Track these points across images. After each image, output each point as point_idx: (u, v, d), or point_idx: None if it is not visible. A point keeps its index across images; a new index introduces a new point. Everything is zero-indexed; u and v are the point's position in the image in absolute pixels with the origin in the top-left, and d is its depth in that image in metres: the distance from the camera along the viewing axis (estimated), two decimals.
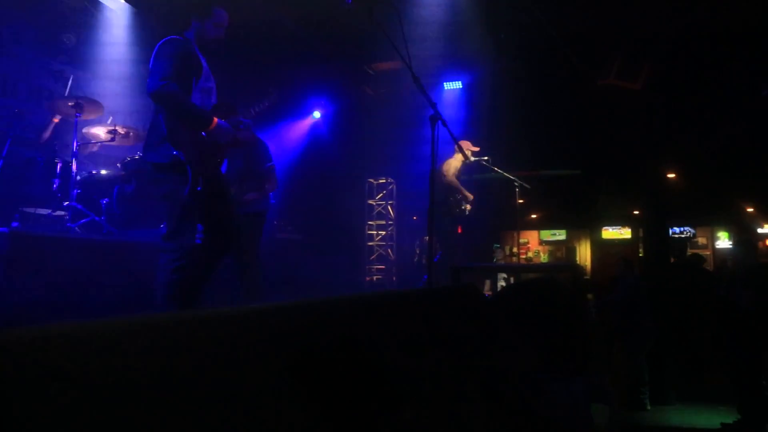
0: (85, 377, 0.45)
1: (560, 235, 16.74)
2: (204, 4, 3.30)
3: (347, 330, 0.95)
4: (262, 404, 0.63)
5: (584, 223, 15.52)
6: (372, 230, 9.26)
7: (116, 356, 0.48)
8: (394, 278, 8.74)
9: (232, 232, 3.28)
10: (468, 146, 5.97)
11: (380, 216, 9.32)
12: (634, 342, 5.62)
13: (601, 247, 15.59)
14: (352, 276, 7.71)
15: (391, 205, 9.35)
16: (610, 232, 15.70)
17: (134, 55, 6.57)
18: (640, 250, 13.27)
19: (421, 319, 1.31)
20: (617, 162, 9.77)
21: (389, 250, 9.11)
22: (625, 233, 15.47)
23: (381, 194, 9.36)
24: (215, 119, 3.13)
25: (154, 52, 3.09)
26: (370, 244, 9.15)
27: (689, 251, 8.94)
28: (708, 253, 14.35)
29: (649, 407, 5.53)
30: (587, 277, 11.98)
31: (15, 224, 4.03)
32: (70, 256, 4.22)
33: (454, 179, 6.07)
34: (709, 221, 14.80)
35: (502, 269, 6.17)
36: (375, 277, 8.76)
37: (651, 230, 6.62)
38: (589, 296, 6.71)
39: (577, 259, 16.01)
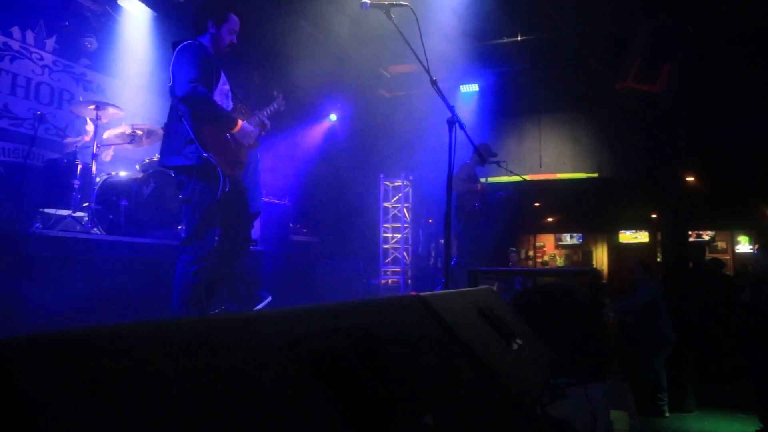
0: (113, 380, 0.45)
1: (576, 238, 16.59)
2: (221, 10, 3.34)
3: (366, 333, 0.95)
4: (284, 407, 0.63)
5: (601, 226, 15.35)
6: (387, 233, 9.26)
7: (142, 359, 0.49)
8: (410, 281, 8.73)
9: (250, 233, 3.32)
10: (486, 149, 5.96)
11: (395, 219, 9.32)
12: (653, 347, 5.55)
13: (618, 251, 15.40)
14: (367, 279, 7.71)
15: (406, 207, 9.34)
16: (627, 236, 15.51)
17: (154, 58, 6.65)
18: (658, 255, 13.12)
19: (439, 323, 1.31)
20: (635, 165, 9.67)
21: (405, 253, 9.11)
22: (642, 237, 15.28)
23: (396, 197, 9.36)
24: (240, 121, 3.17)
25: (174, 57, 3.13)
26: (385, 246, 9.16)
27: (708, 255, 8.82)
28: (728, 257, 14.14)
29: (667, 414, 5.46)
30: (604, 281, 11.87)
31: (37, 224, 4.09)
32: (89, 257, 4.28)
33: (463, 185, 6.05)
34: (729, 225, 14.57)
35: (519, 273, 6.13)
36: (390, 280, 8.76)
37: (669, 234, 6.54)
38: (607, 300, 6.64)
39: (594, 262, 15.86)
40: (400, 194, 9.34)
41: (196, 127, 3.04)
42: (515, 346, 1.78)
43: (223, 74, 3.32)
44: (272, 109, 3.54)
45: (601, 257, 16.13)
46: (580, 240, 16.48)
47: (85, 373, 0.43)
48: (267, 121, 3.45)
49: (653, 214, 13.73)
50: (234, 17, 3.36)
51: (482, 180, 6.61)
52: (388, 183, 9.32)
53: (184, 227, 3.16)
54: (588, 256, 16.23)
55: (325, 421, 0.68)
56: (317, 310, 0.84)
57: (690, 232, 10.86)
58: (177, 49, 3.15)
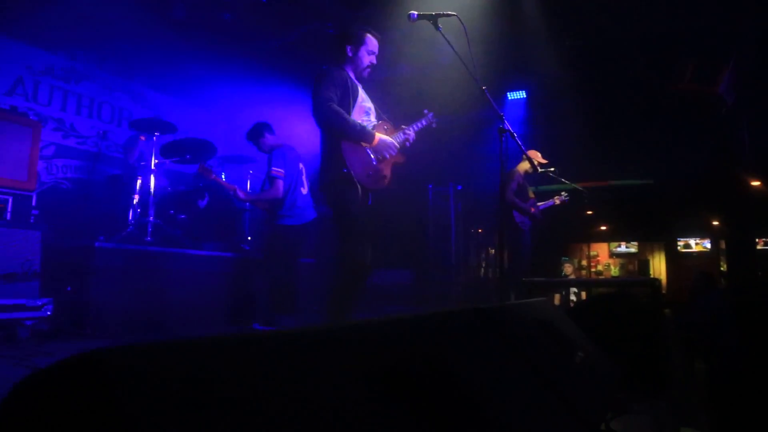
0: (203, 391, 0.46)
1: (632, 247, 16.05)
2: (357, 33, 3.44)
3: (430, 346, 0.94)
4: (358, 423, 0.63)
5: (658, 234, 14.78)
6: (436, 244, 9.20)
7: (227, 371, 0.50)
8: (459, 293, 8.64)
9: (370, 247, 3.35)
10: (537, 157, 5.85)
11: (445, 229, 9.26)
12: (719, 362, 5.29)
13: (677, 260, 14.78)
14: (417, 290, 7.68)
15: (454, 217, 9.27)
16: (686, 244, 14.85)
17: (206, 73, 6.87)
18: (721, 264, 12.53)
19: (501, 336, 1.28)
20: (693, 170, 9.30)
21: (453, 264, 9.03)
22: (702, 246, 14.62)
23: (444, 207, 9.30)
24: (377, 135, 3.23)
25: (313, 83, 3.25)
26: (435, 257, 9.10)
27: None
28: None
29: None
30: (663, 291, 11.43)
31: (101, 237, 4.27)
32: (149, 268, 4.44)
33: (513, 198, 5.94)
34: None
35: (575, 284, 5.97)
36: (440, 292, 8.69)
37: (735, 242, 6.24)
38: (666, 311, 6.39)
39: (651, 272, 15.31)
40: (447, 204, 9.27)
41: (335, 144, 3.15)
42: (577, 360, 1.73)
43: (362, 92, 3.40)
44: (420, 125, 3.56)
45: (658, 266, 15.55)
46: (636, 249, 15.93)
47: (179, 383, 0.44)
48: (411, 136, 3.48)
49: (715, 221, 13.16)
50: (371, 38, 3.45)
51: (532, 189, 6.50)
52: (435, 192, 9.27)
53: (340, 242, 3.24)
54: (644, 265, 15.68)
55: None
56: (383, 324, 0.84)
57: (757, 240, 10.35)
58: (316, 75, 3.28)
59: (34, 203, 4.38)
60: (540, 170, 5.77)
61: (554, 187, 6.73)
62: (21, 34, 5.61)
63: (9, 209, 4.15)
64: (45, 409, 0.44)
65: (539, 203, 6.24)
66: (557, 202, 6.43)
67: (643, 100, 8.19)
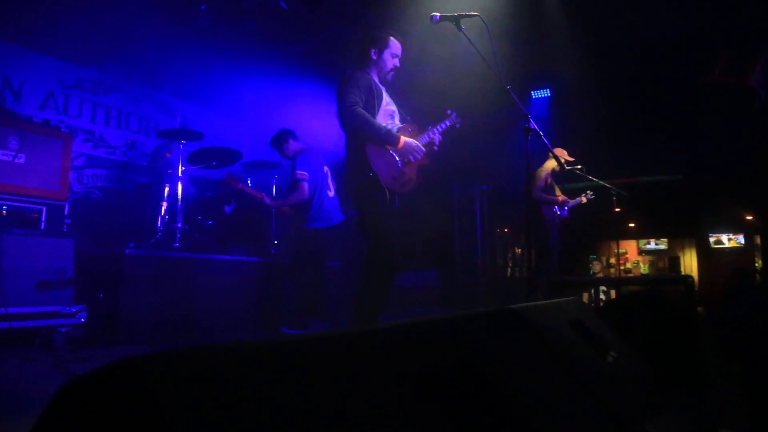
0: (233, 396, 0.46)
1: (662, 243, 15.73)
2: (381, 36, 3.46)
3: (463, 348, 0.93)
4: (393, 424, 0.62)
5: (688, 230, 14.44)
6: (461, 244, 9.16)
7: (261, 376, 0.50)
8: (486, 293, 8.58)
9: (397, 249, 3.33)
10: (563, 155, 5.79)
11: (470, 229, 9.21)
12: (757, 361, 5.15)
13: (709, 257, 14.41)
14: (443, 291, 7.64)
15: (480, 217, 9.22)
16: (718, 240, 14.45)
17: (230, 81, 6.95)
18: (756, 260, 12.19)
19: (533, 336, 1.27)
20: (725, 164, 9.08)
21: (479, 263, 8.97)
22: (735, 242, 14.23)
23: (470, 207, 9.25)
24: (402, 138, 3.24)
25: (338, 87, 3.27)
26: (460, 258, 9.05)
27: None
28: None
29: None
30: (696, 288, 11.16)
31: (131, 244, 4.35)
32: (178, 274, 4.50)
33: (541, 194, 5.88)
34: None
35: (606, 282, 5.88)
36: (467, 293, 8.64)
37: None
38: (700, 310, 6.24)
39: (682, 269, 14.98)
40: (472, 203, 9.22)
41: (360, 148, 3.16)
42: (610, 360, 1.70)
43: (386, 95, 3.42)
44: (444, 126, 3.54)
45: (689, 263, 15.21)
46: (666, 246, 15.61)
47: (216, 388, 0.44)
48: (436, 138, 3.48)
49: (748, 215, 12.82)
50: (394, 41, 3.46)
51: (559, 187, 6.42)
52: (460, 192, 9.23)
53: (366, 245, 3.25)
54: (675, 262, 15.36)
55: None
56: (415, 326, 0.83)
57: None
58: (340, 80, 3.30)
59: (66, 212, 4.48)
60: (567, 168, 5.71)
61: (582, 185, 6.64)
62: (52, 49, 5.76)
63: (43, 219, 4.26)
64: (85, 415, 0.45)
65: (568, 202, 6.17)
66: (584, 200, 6.34)
67: (671, 94, 8.04)
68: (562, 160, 5.57)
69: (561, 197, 5.99)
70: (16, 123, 4.28)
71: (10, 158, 4.16)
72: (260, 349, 0.55)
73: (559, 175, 6.22)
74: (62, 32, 5.37)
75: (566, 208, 6.12)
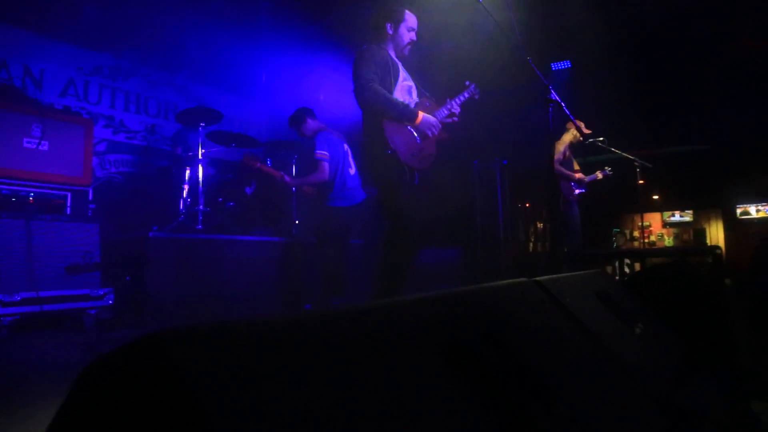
0: (264, 371, 0.46)
1: (687, 215, 15.45)
2: (396, 10, 3.40)
3: (489, 319, 0.92)
4: (421, 396, 0.61)
5: (714, 201, 14.13)
6: (482, 219, 9.08)
7: (288, 350, 0.49)
8: (508, 268, 8.52)
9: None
10: (580, 127, 5.67)
11: (490, 204, 9.12)
12: None
13: (736, 228, 14.10)
14: (465, 267, 7.60)
15: (501, 192, 9.12)
16: (745, 211, 14.11)
17: (246, 62, 6.93)
18: None
19: (559, 308, 1.25)
20: (751, 132, 8.83)
21: (501, 239, 8.90)
22: (764, 212, 13.87)
23: (490, 182, 9.15)
24: (420, 113, 3.21)
25: (353, 63, 3.24)
26: (481, 233, 8.98)
27: None
28: None
29: None
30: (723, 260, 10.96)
31: (154, 227, 4.40)
32: (201, 256, 4.56)
33: (559, 168, 5.78)
34: None
35: (631, 254, 5.80)
36: (489, 268, 8.59)
37: None
38: (727, 281, 6.13)
39: (708, 241, 14.72)
40: (495, 179, 9.11)
41: (378, 124, 3.12)
42: (638, 331, 1.67)
43: (403, 70, 3.37)
44: (463, 98, 3.49)
45: (715, 235, 14.93)
46: (691, 218, 15.32)
47: (243, 363, 0.44)
48: (456, 109, 3.43)
49: None
50: (410, 15, 3.41)
51: (579, 160, 6.32)
52: (482, 168, 9.12)
53: (386, 222, 3.25)
54: (700, 234, 15.09)
55: (461, 411, 0.66)
56: (440, 298, 0.82)
57: None
58: (355, 55, 3.27)
59: (90, 197, 4.55)
60: (589, 140, 5.60)
61: (603, 157, 6.53)
62: (70, 37, 5.80)
63: (68, 204, 4.33)
64: (112, 391, 0.45)
65: (585, 177, 6.06)
66: (600, 176, 6.22)
67: (695, 60, 7.81)
68: (583, 133, 5.47)
69: (578, 174, 5.88)
70: (39, 110, 4.33)
71: (34, 146, 4.22)
72: (285, 324, 0.54)
73: (579, 148, 6.11)
74: (79, 20, 5.39)
75: (584, 182, 6.01)
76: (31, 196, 4.13)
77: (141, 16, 5.55)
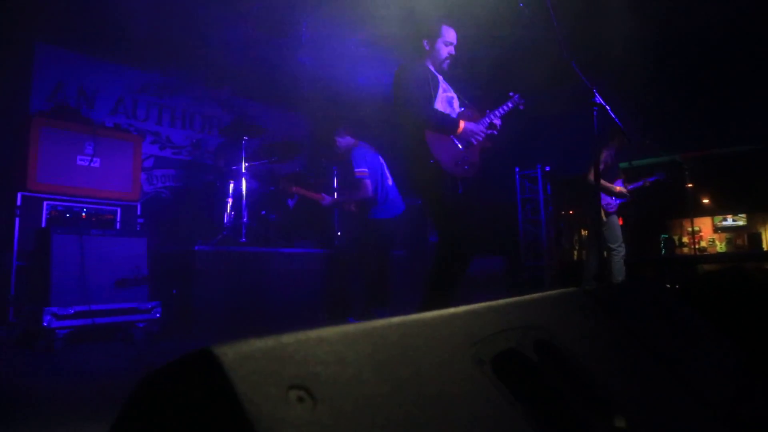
0: (318, 383, 0.45)
1: (740, 219, 14.82)
2: (432, 26, 3.42)
3: (542, 332, 0.89)
4: (471, 407, 0.59)
5: None
6: (526, 228, 8.96)
7: (342, 362, 0.48)
8: (552, 276, 8.36)
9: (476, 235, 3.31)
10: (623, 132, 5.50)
11: (534, 213, 8.99)
12: None
13: None
14: (509, 277, 7.50)
15: (543, 200, 8.98)
16: None
17: (286, 75, 7.04)
18: None
19: (612, 319, 1.20)
20: None
21: (545, 247, 8.75)
22: None
23: (533, 189, 9.03)
24: (462, 122, 3.22)
25: (393, 79, 3.28)
26: (525, 242, 8.86)
27: None
28: None
29: None
30: None
31: (199, 241, 4.50)
32: (245, 268, 4.63)
33: (601, 182, 5.60)
34: None
35: (681, 261, 5.59)
36: (533, 277, 8.45)
37: None
38: None
39: (764, 246, 14.09)
40: (537, 187, 8.99)
41: (419, 136, 3.14)
42: (695, 341, 1.60)
43: (443, 83, 3.39)
44: (506, 108, 3.49)
45: None
46: (744, 222, 14.70)
47: (294, 377, 0.43)
48: (497, 121, 3.42)
49: None
50: (447, 28, 3.42)
51: (624, 165, 6.13)
52: (524, 176, 9.01)
53: (436, 233, 3.26)
54: (755, 238, 14.43)
55: (512, 422, 0.64)
56: (490, 309, 0.80)
57: None
58: (395, 72, 3.32)
59: (138, 212, 4.69)
60: (633, 143, 5.43)
61: (650, 160, 6.34)
62: (120, 57, 6.04)
63: (118, 219, 4.47)
64: (164, 404, 0.45)
65: (628, 185, 5.83)
66: (646, 184, 5.99)
67: (746, 55, 7.52)
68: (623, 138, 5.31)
69: (618, 188, 5.65)
70: (91, 129, 4.50)
71: (87, 163, 4.39)
72: (333, 338, 0.53)
73: (626, 153, 5.93)
74: (128, 41, 5.59)
75: (628, 189, 5.76)
76: (84, 212, 4.29)
77: (185, 34, 5.71)
